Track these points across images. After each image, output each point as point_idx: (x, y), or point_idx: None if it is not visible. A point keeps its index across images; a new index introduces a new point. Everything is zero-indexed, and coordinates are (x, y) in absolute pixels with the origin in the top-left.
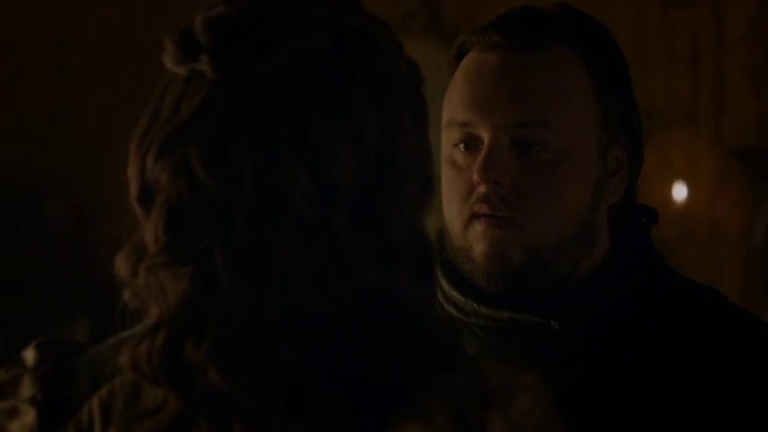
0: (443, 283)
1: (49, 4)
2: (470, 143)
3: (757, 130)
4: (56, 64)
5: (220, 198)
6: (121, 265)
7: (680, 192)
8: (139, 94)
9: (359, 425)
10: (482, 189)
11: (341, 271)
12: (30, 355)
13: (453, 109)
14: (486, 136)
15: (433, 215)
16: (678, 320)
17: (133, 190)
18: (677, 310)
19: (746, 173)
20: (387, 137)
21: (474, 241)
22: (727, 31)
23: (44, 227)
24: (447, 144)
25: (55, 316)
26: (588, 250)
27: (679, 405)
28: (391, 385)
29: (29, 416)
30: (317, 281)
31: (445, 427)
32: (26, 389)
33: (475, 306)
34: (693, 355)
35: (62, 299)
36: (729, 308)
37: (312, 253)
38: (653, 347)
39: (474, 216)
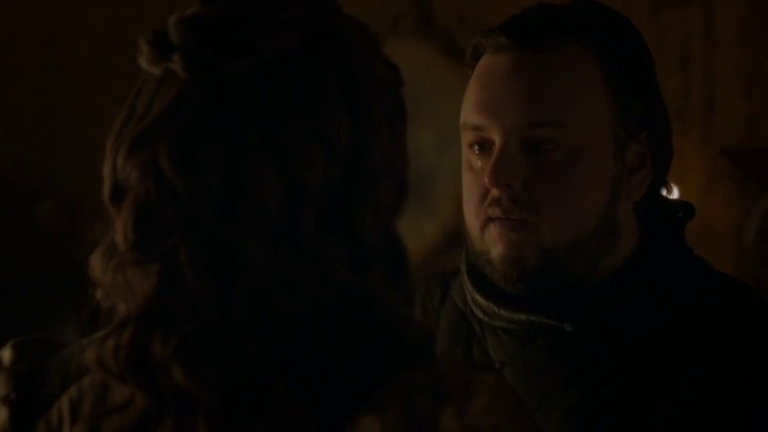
0: (469, 286)
1: (41, 4)
2: (484, 146)
3: (748, 130)
4: (47, 64)
5: (188, 197)
6: (96, 264)
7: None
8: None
9: (320, 423)
10: (494, 193)
11: (310, 271)
12: (6, 355)
13: (467, 112)
14: (496, 139)
15: (431, 218)
16: (701, 318)
17: (106, 188)
18: (701, 307)
19: (737, 173)
20: (359, 138)
21: (491, 244)
22: (718, 32)
23: (36, 227)
24: (464, 147)
25: (46, 316)
26: (609, 249)
27: (696, 407)
28: (354, 385)
29: (2, 414)
30: (286, 280)
31: (396, 423)
32: (0, 388)
33: (495, 309)
34: (714, 356)
35: (53, 298)
36: (758, 304)
37: (281, 253)
38: (673, 347)
39: (489, 219)
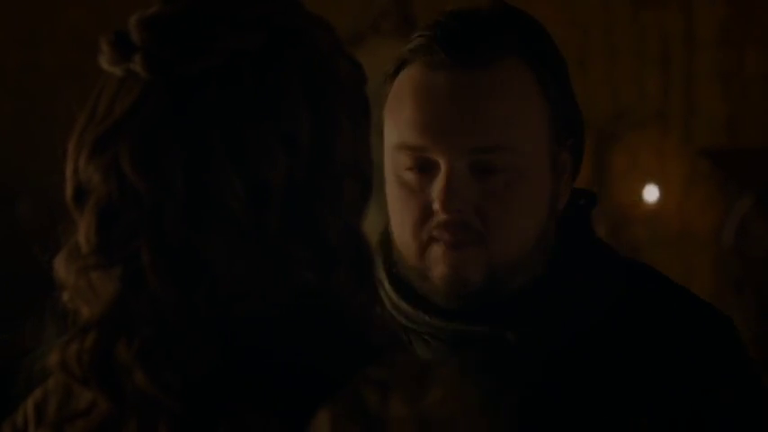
0: (392, 293)
1: (20, 4)
2: (424, 167)
3: (727, 130)
4: (27, 63)
5: (150, 199)
6: (60, 266)
7: (650, 192)
8: None
9: (281, 425)
10: (443, 217)
11: (274, 272)
12: None
13: (404, 132)
14: (443, 162)
15: (378, 215)
16: (625, 316)
17: (68, 190)
18: (622, 304)
19: (716, 173)
20: (322, 138)
21: (432, 263)
22: (698, 32)
23: (15, 226)
24: (397, 165)
25: (24, 316)
26: (543, 262)
27: (629, 412)
28: (316, 386)
29: None
30: (250, 282)
31: (344, 415)
32: None
33: (426, 318)
34: (653, 368)
35: (32, 299)
36: (669, 289)
37: (244, 255)
38: (606, 350)
39: (432, 239)
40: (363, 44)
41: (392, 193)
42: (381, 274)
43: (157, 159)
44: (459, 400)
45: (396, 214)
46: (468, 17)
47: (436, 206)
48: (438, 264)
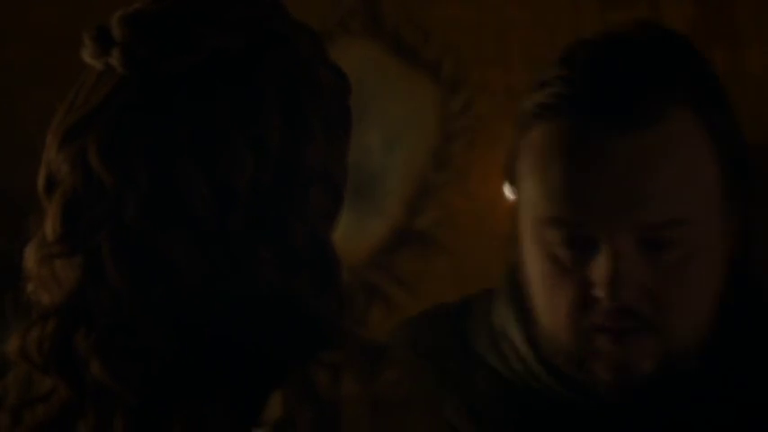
0: (526, 352)
1: None
2: (580, 242)
3: None
4: None
5: (114, 191)
6: (29, 256)
7: None
8: None
9: (236, 420)
10: (609, 304)
11: (236, 271)
12: None
13: (554, 205)
14: (606, 242)
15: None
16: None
17: (40, 181)
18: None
19: None
20: (292, 144)
21: (596, 355)
22: None
23: None
24: (544, 239)
25: None
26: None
27: None
28: (273, 381)
29: None
30: (210, 280)
31: (295, 394)
32: None
33: (552, 380)
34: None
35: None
36: None
37: (206, 253)
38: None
39: (595, 328)
40: (332, 44)
41: (538, 266)
42: (508, 316)
43: (123, 153)
44: (415, 382)
45: (544, 291)
46: (617, 56)
47: (600, 293)
48: (603, 357)
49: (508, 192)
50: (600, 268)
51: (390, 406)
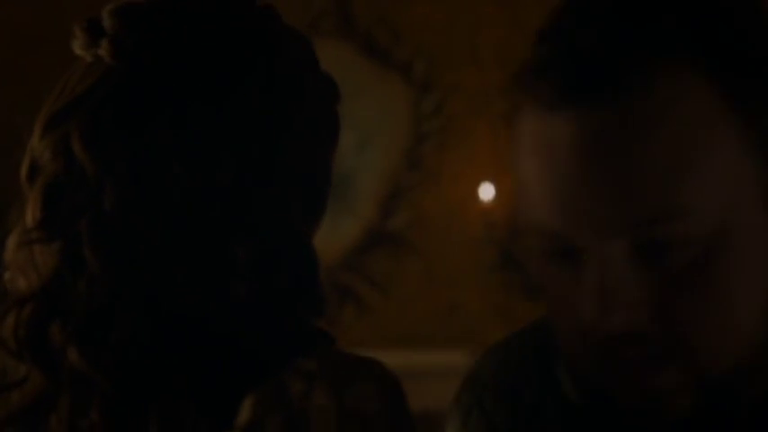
0: (570, 385)
1: None
2: (566, 254)
3: None
4: None
5: (94, 179)
6: (10, 246)
7: None
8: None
9: (212, 415)
10: (607, 329)
11: (213, 268)
12: None
13: (533, 210)
14: (591, 251)
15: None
16: None
17: (23, 168)
18: None
19: None
20: (274, 146)
21: (615, 387)
22: None
23: None
24: (531, 252)
25: None
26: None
27: None
28: (247, 379)
29: None
30: (186, 274)
31: (265, 400)
32: None
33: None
34: None
35: None
36: None
37: (183, 247)
38: None
39: (612, 350)
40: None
41: (540, 265)
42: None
43: (106, 141)
44: (390, 397)
45: (550, 296)
46: (590, 12)
47: (589, 315)
48: (624, 390)
49: (482, 193)
50: (587, 282)
51: (359, 420)
